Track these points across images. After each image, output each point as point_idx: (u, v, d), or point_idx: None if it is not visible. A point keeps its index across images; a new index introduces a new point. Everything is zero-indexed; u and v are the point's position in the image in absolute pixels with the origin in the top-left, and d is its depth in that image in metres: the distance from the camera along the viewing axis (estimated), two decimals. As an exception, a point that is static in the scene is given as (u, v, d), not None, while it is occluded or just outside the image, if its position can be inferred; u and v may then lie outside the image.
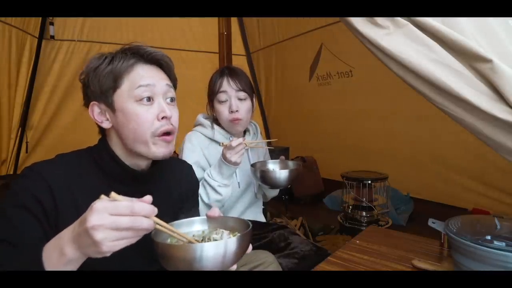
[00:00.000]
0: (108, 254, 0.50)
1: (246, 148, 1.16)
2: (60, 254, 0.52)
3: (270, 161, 1.36)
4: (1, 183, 2.81)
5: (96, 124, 0.77)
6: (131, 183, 0.77)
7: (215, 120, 1.35)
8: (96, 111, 0.75)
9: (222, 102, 1.24)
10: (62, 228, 0.60)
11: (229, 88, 1.23)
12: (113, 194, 0.51)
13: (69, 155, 0.76)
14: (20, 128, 3.14)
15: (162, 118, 0.72)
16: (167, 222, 0.68)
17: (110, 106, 0.73)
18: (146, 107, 0.72)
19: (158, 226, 0.55)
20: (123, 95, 0.71)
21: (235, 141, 1.11)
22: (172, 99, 0.77)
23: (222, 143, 1.14)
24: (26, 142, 3.20)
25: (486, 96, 0.77)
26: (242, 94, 1.25)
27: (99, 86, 0.72)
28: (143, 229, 0.51)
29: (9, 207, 0.65)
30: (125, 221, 0.49)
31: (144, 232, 0.52)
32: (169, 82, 0.77)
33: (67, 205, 0.68)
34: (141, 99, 0.71)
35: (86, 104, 0.76)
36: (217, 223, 0.70)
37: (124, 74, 0.71)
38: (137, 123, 0.71)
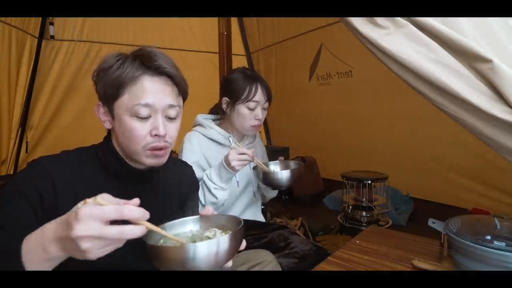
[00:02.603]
0: (94, 259, 0.49)
1: (251, 162, 1.18)
2: (43, 251, 0.51)
3: (271, 162, 1.36)
4: (1, 183, 2.81)
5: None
6: (133, 181, 0.79)
7: (215, 120, 1.35)
8: (101, 111, 0.76)
9: (251, 109, 1.25)
10: None
11: (261, 98, 1.25)
12: (98, 198, 0.48)
13: (74, 152, 0.77)
14: (20, 128, 3.13)
15: (155, 135, 0.72)
16: (166, 220, 0.68)
17: (110, 112, 0.74)
18: (141, 122, 0.71)
19: (151, 230, 0.54)
20: (122, 106, 0.71)
21: (248, 150, 1.14)
22: (172, 117, 0.75)
23: (235, 142, 1.15)
24: (26, 142, 3.20)
25: (486, 96, 0.77)
26: (267, 105, 1.30)
27: (104, 90, 0.72)
28: (134, 236, 0.49)
29: (7, 192, 0.66)
30: (114, 232, 0.47)
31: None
32: (172, 101, 0.74)
33: (68, 200, 0.68)
34: (137, 116, 0.71)
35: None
36: (210, 222, 0.70)
37: (128, 85, 0.70)
38: (130, 136, 0.72)
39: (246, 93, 1.23)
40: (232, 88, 1.26)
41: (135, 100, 0.70)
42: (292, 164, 1.34)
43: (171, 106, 0.74)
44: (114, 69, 0.70)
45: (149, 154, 0.73)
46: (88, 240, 0.46)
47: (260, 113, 1.26)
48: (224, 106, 1.29)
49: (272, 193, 1.47)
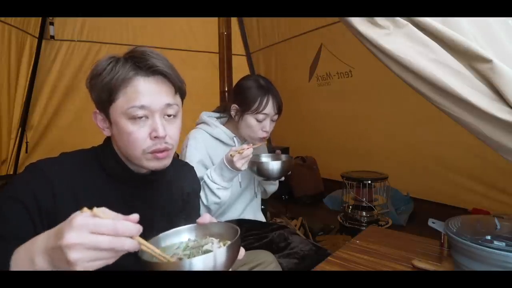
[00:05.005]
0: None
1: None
2: (30, 262, 0.49)
3: (264, 154, 1.38)
4: (1, 183, 2.81)
5: None
6: (134, 185, 0.78)
7: (220, 118, 1.34)
8: (98, 118, 0.74)
9: (259, 121, 1.24)
10: None
11: (271, 111, 1.24)
12: (95, 209, 0.46)
13: (73, 154, 0.76)
14: (20, 128, 3.14)
15: (155, 137, 0.70)
16: (167, 224, 0.68)
17: (107, 118, 0.72)
18: (139, 124, 0.69)
19: (142, 247, 0.51)
20: (117, 110, 0.69)
21: (248, 151, 1.12)
22: (172, 115, 0.72)
23: (237, 151, 1.12)
24: (26, 142, 3.20)
25: (486, 96, 0.77)
26: (277, 117, 1.28)
27: (97, 97, 0.70)
28: (125, 251, 0.47)
29: (4, 198, 0.65)
30: (105, 242, 0.45)
31: (125, 253, 0.48)
32: (169, 100, 0.71)
33: (68, 204, 0.68)
34: (134, 118, 0.68)
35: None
36: (206, 230, 0.67)
37: (121, 88, 0.67)
38: (129, 140, 0.69)
39: (256, 104, 1.21)
40: (243, 96, 1.24)
41: (130, 103, 0.67)
42: (284, 157, 1.36)
43: (168, 105, 0.71)
44: (106, 73, 0.67)
45: (150, 158, 0.71)
46: (78, 249, 0.44)
47: (268, 126, 1.25)
48: (232, 112, 1.28)
49: (273, 187, 1.47)
